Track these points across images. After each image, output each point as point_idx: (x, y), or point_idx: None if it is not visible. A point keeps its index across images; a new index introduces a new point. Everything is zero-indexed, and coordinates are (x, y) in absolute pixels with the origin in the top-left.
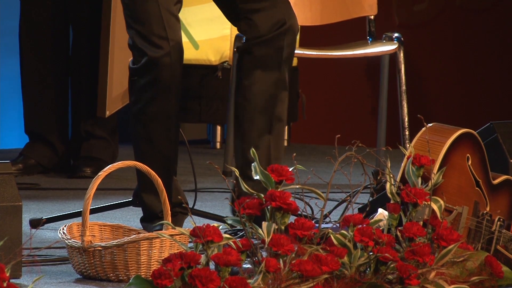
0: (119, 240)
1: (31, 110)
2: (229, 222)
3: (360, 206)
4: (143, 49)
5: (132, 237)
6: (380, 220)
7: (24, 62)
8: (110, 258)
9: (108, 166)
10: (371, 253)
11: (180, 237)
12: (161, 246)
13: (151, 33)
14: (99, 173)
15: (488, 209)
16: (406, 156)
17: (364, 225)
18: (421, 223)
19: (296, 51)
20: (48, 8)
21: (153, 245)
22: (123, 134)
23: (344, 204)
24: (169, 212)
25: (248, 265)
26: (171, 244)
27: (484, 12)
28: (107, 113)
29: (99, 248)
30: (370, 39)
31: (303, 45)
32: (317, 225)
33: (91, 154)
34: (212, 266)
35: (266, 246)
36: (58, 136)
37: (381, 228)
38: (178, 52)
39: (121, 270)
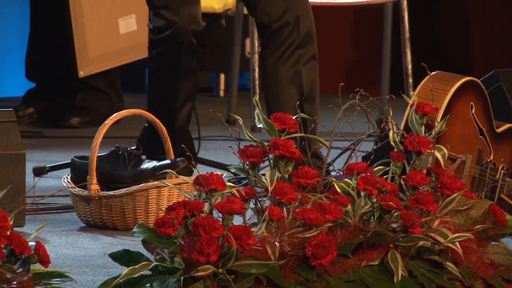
0: (127, 188)
1: (34, 56)
2: (233, 170)
3: (364, 154)
4: (160, 12)
5: (141, 185)
6: (384, 169)
7: (34, 9)
8: (119, 206)
9: (114, 114)
10: (374, 202)
11: (187, 186)
12: (170, 195)
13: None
14: (105, 122)
15: (491, 157)
16: (409, 104)
17: (368, 174)
18: (425, 171)
19: None
20: None
21: (162, 194)
22: (126, 84)
23: (348, 152)
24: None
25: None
26: (179, 193)
27: None
28: (81, 74)
29: (107, 197)
30: None
31: None
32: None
33: (83, 104)
34: (215, 214)
35: (269, 194)
36: (58, 86)
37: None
38: (191, 21)
39: (130, 218)
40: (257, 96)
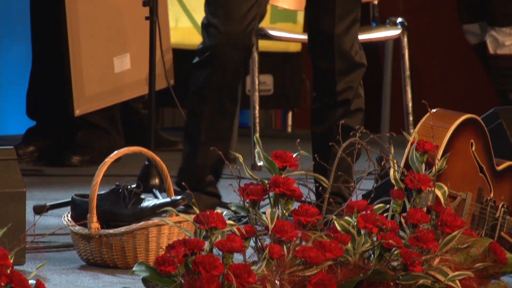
0: (128, 226)
1: (34, 94)
2: (233, 208)
3: (364, 192)
4: (207, 32)
5: (141, 223)
6: (384, 207)
7: (35, 47)
8: (119, 245)
9: (114, 152)
10: (375, 240)
11: (187, 224)
12: (170, 233)
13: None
14: (106, 160)
15: (492, 195)
16: (410, 142)
17: (368, 212)
18: (425, 209)
19: (300, 36)
20: None
21: (162, 232)
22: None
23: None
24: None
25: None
26: (180, 231)
27: None
28: (77, 112)
29: (108, 235)
30: (374, 24)
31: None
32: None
33: (84, 143)
34: (216, 252)
35: (269, 232)
36: (59, 124)
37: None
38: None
39: (130, 257)
40: (258, 134)
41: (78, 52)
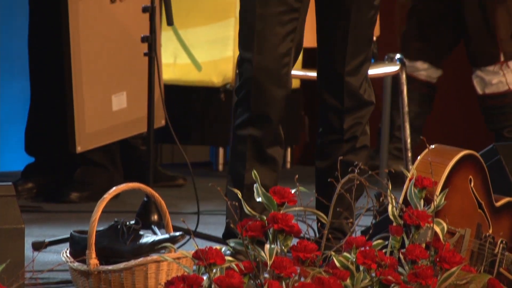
0: (126, 263)
1: (33, 130)
2: (232, 244)
3: (363, 228)
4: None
5: (140, 259)
6: (383, 243)
7: (34, 83)
8: (118, 281)
9: (113, 188)
10: (373, 276)
11: (186, 260)
12: (169, 269)
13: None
14: (104, 196)
15: (490, 231)
16: (408, 178)
17: (367, 248)
18: (424, 245)
19: (298, 73)
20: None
21: (161, 268)
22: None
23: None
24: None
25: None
26: (178, 267)
27: None
28: (78, 149)
29: (106, 271)
30: (373, 60)
31: (305, 67)
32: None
33: (83, 179)
34: None
35: (268, 268)
36: (57, 161)
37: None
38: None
39: None
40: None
41: (80, 90)
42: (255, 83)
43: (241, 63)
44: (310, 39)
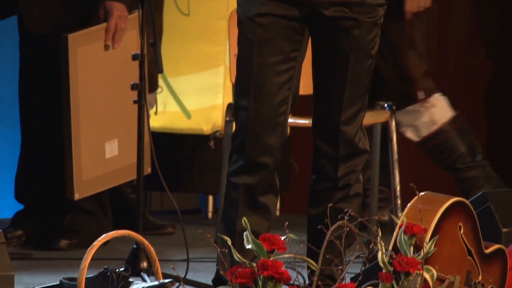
0: None
1: (23, 178)
2: None
3: (353, 275)
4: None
5: None
6: None
7: (25, 130)
8: None
9: (103, 236)
10: None
11: None
12: None
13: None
14: (94, 243)
15: (480, 278)
16: (398, 225)
17: None
18: None
19: (289, 120)
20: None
21: None
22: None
23: None
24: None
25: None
26: None
27: (479, 81)
28: (76, 196)
29: None
30: None
31: (295, 114)
32: None
33: (72, 227)
34: None
35: None
36: (47, 208)
37: None
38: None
39: None
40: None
41: (77, 137)
42: (251, 131)
43: (237, 110)
44: (302, 85)
